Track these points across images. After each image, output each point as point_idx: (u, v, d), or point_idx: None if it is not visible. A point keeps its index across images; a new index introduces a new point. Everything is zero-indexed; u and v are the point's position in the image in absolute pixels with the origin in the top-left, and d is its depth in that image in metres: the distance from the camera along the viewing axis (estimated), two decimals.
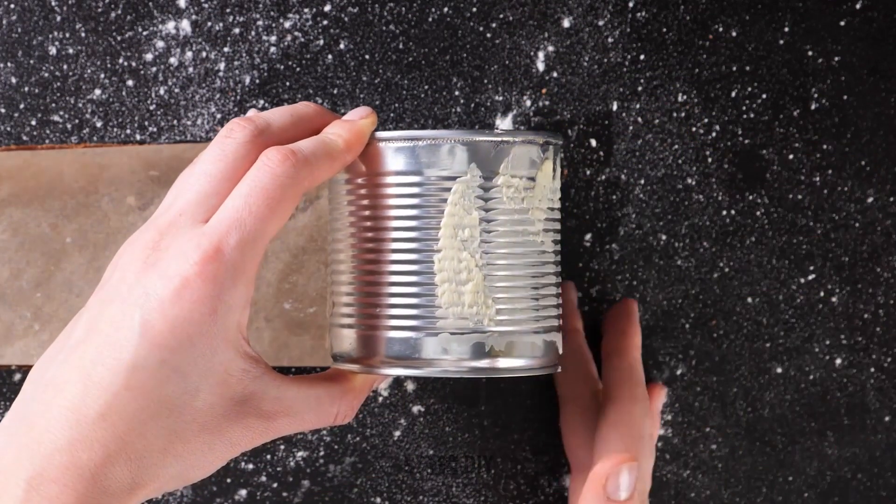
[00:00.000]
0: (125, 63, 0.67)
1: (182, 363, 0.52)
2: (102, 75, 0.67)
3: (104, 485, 0.51)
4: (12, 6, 0.67)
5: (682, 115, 0.68)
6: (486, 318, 0.56)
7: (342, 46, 0.67)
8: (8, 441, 0.52)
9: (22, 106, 0.67)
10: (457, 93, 0.67)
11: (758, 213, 0.68)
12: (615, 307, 0.68)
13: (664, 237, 0.68)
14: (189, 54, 0.67)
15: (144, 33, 0.67)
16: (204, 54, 0.67)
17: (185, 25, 0.67)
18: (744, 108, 0.68)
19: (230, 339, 0.53)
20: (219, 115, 0.67)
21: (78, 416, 0.51)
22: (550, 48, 0.67)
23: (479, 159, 0.55)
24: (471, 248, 0.56)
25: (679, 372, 0.69)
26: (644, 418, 0.64)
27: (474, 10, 0.67)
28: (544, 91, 0.67)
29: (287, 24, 0.67)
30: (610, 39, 0.67)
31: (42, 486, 0.51)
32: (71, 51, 0.67)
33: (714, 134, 0.68)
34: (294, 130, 0.57)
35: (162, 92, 0.67)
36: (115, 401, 0.51)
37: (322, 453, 0.69)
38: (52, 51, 0.67)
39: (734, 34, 0.67)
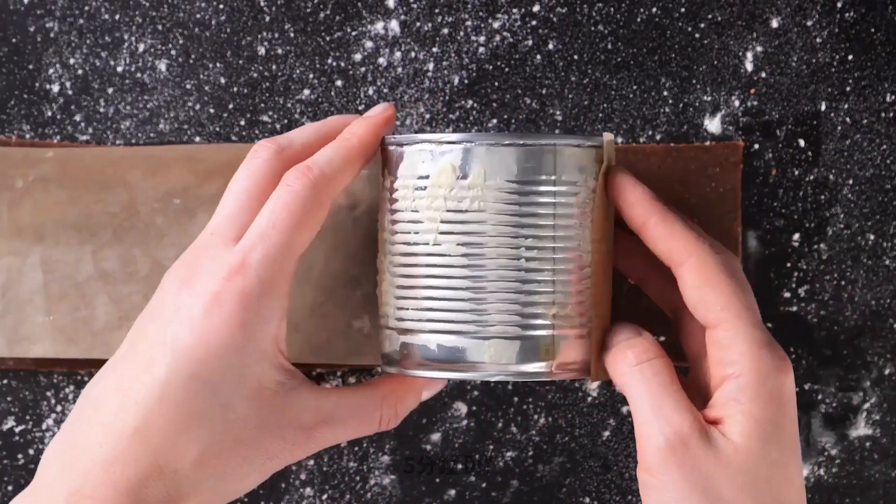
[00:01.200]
0: (334, 63, 0.67)
1: (213, 376, 0.54)
2: (311, 75, 0.67)
3: (140, 499, 0.53)
4: (221, 6, 0.67)
5: (891, 115, 0.68)
6: (538, 319, 0.57)
7: (550, 47, 0.67)
8: (54, 457, 0.55)
9: (231, 106, 0.67)
10: (665, 93, 0.67)
11: None
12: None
13: (872, 237, 0.68)
14: (398, 54, 0.67)
15: (353, 34, 0.67)
16: (413, 54, 0.67)
17: (394, 26, 0.67)
18: None
19: (263, 351, 0.54)
20: (427, 116, 0.67)
21: (114, 432, 0.53)
22: (759, 48, 0.67)
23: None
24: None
25: (887, 372, 0.68)
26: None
27: (683, 10, 0.67)
28: (753, 91, 0.67)
29: (496, 25, 0.67)
30: (818, 40, 0.67)
31: (80, 501, 0.53)
32: (280, 51, 0.67)
33: None
34: (319, 145, 0.58)
35: (371, 92, 0.67)
36: (149, 416, 0.53)
37: (531, 453, 0.68)
38: (261, 51, 0.67)
39: None
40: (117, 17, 0.67)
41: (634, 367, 0.56)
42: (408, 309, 0.58)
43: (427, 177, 0.57)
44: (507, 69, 0.67)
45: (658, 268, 0.60)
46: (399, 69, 0.67)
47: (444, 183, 0.57)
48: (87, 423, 0.55)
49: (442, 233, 0.57)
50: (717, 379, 0.56)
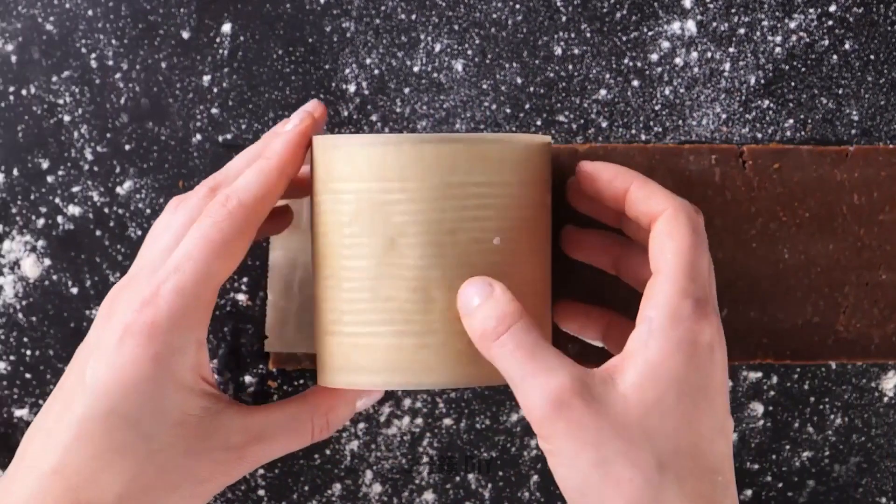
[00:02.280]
0: (630, 63, 0.67)
1: (131, 410, 0.54)
2: (607, 75, 0.67)
3: None
4: (517, 6, 0.67)
5: None
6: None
7: (847, 46, 0.67)
8: None
9: (527, 106, 0.67)
10: None
11: None
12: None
13: None
14: (694, 54, 0.67)
15: (649, 33, 0.67)
16: (709, 54, 0.67)
17: (691, 25, 0.67)
18: None
19: (181, 380, 0.55)
20: (724, 116, 0.67)
21: (35, 472, 0.54)
22: None
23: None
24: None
25: None
26: None
27: None
28: None
29: (792, 25, 0.67)
30: None
31: None
32: (576, 51, 0.67)
33: None
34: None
35: (667, 92, 0.67)
36: (67, 454, 0.54)
37: (827, 453, 0.68)
38: (558, 51, 0.67)
39: None
40: (413, 17, 0.67)
41: (495, 344, 0.54)
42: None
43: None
44: (803, 69, 0.67)
45: (631, 253, 0.61)
46: (695, 69, 0.67)
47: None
48: (16, 464, 0.56)
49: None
50: (637, 324, 0.55)
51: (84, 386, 0.54)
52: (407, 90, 0.67)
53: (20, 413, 0.68)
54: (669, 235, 0.56)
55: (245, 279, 0.67)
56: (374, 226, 0.56)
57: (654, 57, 0.67)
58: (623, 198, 0.58)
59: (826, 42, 0.67)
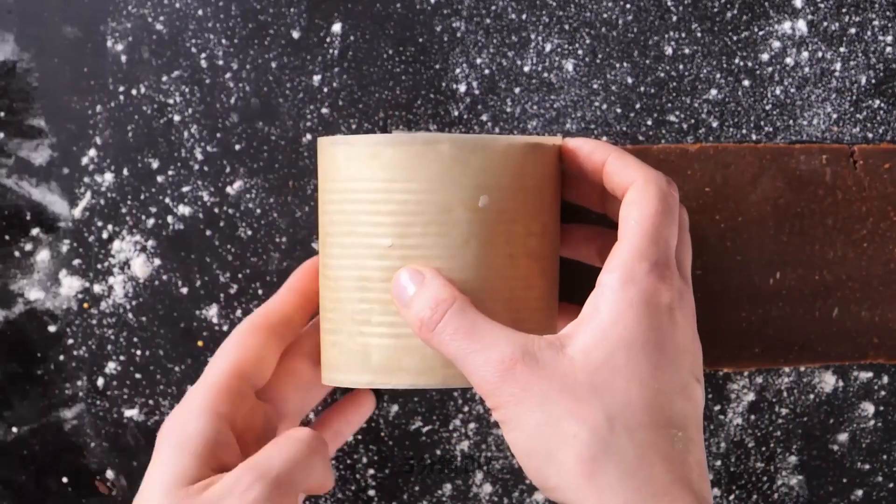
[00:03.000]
0: (741, 63, 0.67)
1: None
2: (718, 75, 0.67)
3: None
4: (628, 6, 0.67)
5: None
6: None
7: None
8: None
9: (638, 106, 0.67)
10: None
11: None
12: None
13: None
14: (805, 54, 0.67)
15: (760, 33, 0.67)
16: (820, 54, 0.67)
17: (801, 25, 0.67)
18: None
19: None
20: (834, 115, 0.67)
21: None
22: None
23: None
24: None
25: None
26: None
27: None
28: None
29: None
30: None
31: None
32: (687, 51, 0.67)
33: None
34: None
35: (777, 92, 0.67)
36: None
37: None
38: (668, 51, 0.67)
39: None
40: (524, 16, 0.67)
41: (434, 332, 0.53)
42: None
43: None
44: None
45: (614, 240, 0.60)
46: (806, 69, 0.67)
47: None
48: None
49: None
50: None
51: None
52: (517, 90, 0.67)
53: (130, 413, 0.68)
54: (635, 203, 0.55)
55: None
56: (394, 226, 0.56)
57: (765, 57, 0.67)
58: (601, 168, 0.58)
59: None
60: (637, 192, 0.55)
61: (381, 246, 0.56)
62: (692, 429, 0.53)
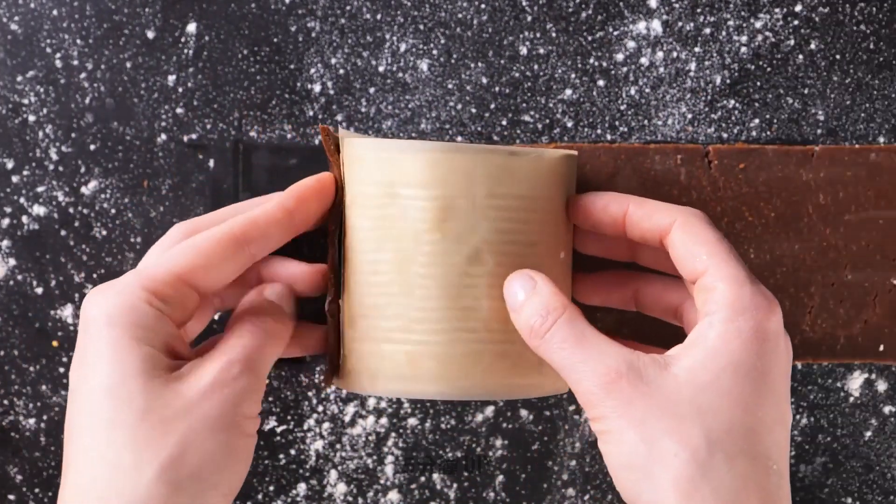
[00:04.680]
0: (596, 63, 0.67)
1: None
2: (573, 75, 0.67)
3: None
4: (483, 6, 0.67)
5: None
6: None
7: (812, 46, 0.67)
8: None
9: (493, 106, 0.67)
10: None
11: None
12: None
13: None
14: (660, 54, 0.67)
15: (615, 33, 0.67)
16: (674, 54, 0.67)
17: (656, 25, 0.67)
18: None
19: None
20: (689, 115, 0.67)
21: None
22: None
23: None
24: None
25: None
26: None
27: None
28: None
29: (758, 24, 0.67)
30: None
31: None
32: (542, 51, 0.67)
33: None
34: None
35: (632, 92, 0.67)
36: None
37: (793, 453, 0.68)
38: (523, 51, 0.67)
39: None
40: (378, 16, 0.67)
41: (543, 339, 0.54)
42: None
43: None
44: (768, 69, 0.67)
45: (649, 283, 0.62)
46: (661, 69, 0.67)
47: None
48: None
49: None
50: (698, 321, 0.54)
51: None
52: (372, 90, 0.67)
53: None
54: (694, 238, 0.55)
55: None
56: (458, 233, 0.56)
57: (620, 57, 0.67)
58: (622, 222, 0.58)
59: (792, 42, 0.67)
60: (686, 228, 0.56)
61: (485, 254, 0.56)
62: (783, 461, 0.53)
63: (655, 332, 0.65)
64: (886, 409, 0.68)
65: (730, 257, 0.55)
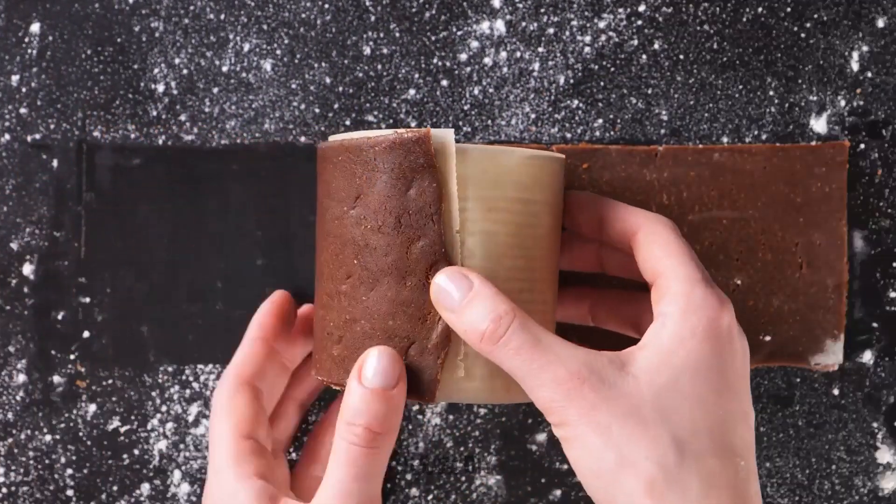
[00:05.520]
0: (439, 63, 0.67)
1: None
2: (417, 75, 0.67)
3: None
4: (326, 6, 0.67)
5: None
6: None
7: (656, 46, 0.67)
8: None
9: (336, 106, 0.67)
10: (771, 93, 0.67)
11: None
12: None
13: None
14: (503, 54, 0.67)
15: (459, 33, 0.67)
16: (518, 54, 0.67)
17: (500, 25, 0.67)
18: None
19: None
20: (533, 115, 0.67)
21: None
22: (865, 48, 0.67)
23: None
24: None
25: None
26: None
27: (788, 10, 0.67)
28: (859, 91, 0.67)
29: (601, 24, 0.67)
30: None
31: None
32: (385, 51, 0.67)
33: None
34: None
35: (476, 92, 0.67)
36: None
37: None
38: (367, 51, 0.67)
39: None
40: (222, 16, 0.67)
41: (497, 346, 0.52)
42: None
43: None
44: (612, 69, 0.67)
45: (605, 297, 0.63)
46: (504, 69, 0.67)
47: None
48: None
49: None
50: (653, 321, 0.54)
51: None
52: (216, 90, 0.67)
53: None
54: (655, 240, 0.56)
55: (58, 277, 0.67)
56: (522, 238, 0.56)
57: (464, 57, 0.67)
58: (598, 221, 0.59)
59: (635, 42, 0.67)
60: (653, 231, 0.57)
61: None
62: (750, 457, 0.53)
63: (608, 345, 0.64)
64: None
65: (687, 260, 0.55)
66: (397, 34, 0.67)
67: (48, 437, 0.67)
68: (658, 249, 0.56)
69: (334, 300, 0.56)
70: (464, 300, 0.53)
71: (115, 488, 0.68)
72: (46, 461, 0.68)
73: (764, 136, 0.67)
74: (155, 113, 0.67)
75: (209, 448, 0.60)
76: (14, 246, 0.67)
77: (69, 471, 0.68)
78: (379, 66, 0.67)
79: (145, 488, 0.68)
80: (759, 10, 0.67)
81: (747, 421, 0.53)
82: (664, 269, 0.55)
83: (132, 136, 0.67)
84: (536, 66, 0.67)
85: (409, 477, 0.68)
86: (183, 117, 0.67)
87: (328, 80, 0.67)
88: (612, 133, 0.67)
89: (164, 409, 0.67)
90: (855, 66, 0.67)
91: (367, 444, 0.53)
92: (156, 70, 0.67)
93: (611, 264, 0.63)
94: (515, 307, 0.53)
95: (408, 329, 0.54)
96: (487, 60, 0.67)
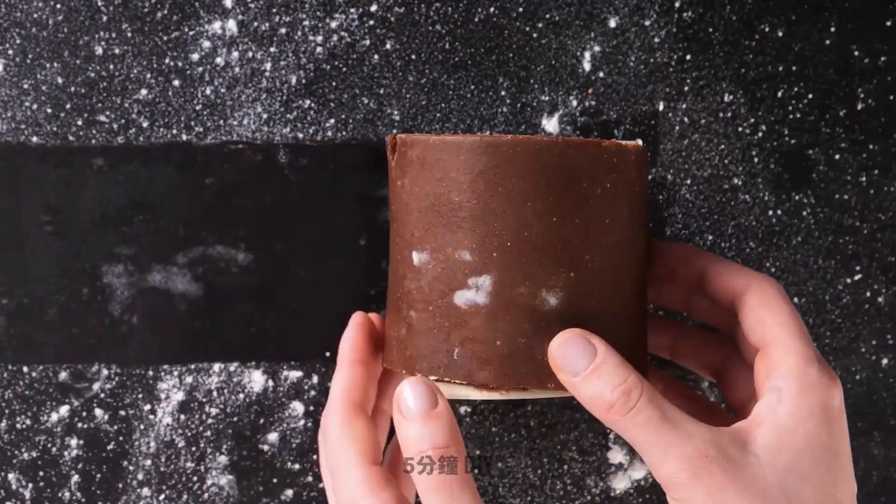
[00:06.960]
0: (171, 63, 0.67)
1: None
2: (149, 75, 0.67)
3: None
4: (58, 6, 0.67)
5: (729, 114, 0.68)
6: None
7: (388, 46, 0.67)
8: None
9: (68, 106, 0.67)
10: (503, 93, 0.67)
11: (804, 212, 0.68)
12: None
13: (710, 237, 0.68)
14: (235, 54, 0.67)
15: (191, 33, 0.67)
16: (250, 54, 0.67)
17: (232, 25, 0.67)
18: (790, 107, 0.68)
19: None
20: (265, 115, 0.67)
21: None
22: (597, 48, 0.67)
23: None
24: None
25: None
26: None
27: (520, 10, 0.67)
28: (590, 91, 0.67)
29: (333, 25, 0.67)
30: (656, 39, 0.67)
31: None
32: (117, 51, 0.67)
33: (760, 134, 0.68)
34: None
35: (208, 92, 0.67)
36: None
37: None
38: (99, 51, 0.67)
39: (780, 34, 0.68)
40: None
41: (626, 417, 0.52)
42: None
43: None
44: (344, 69, 0.67)
45: (690, 335, 0.63)
46: (236, 69, 0.67)
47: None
48: None
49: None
50: (762, 395, 0.55)
51: None
52: None
53: None
54: (768, 307, 0.56)
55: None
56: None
57: (196, 56, 0.67)
58: (703, 271, 0.59)
59: (367, 42, 0.67)
60: (763, 294, 0.57)
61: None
62: None
63: None
64: (463, 409, 0.68)
65: (801, 334, 0.55)
66: (129, 34, 0.67)
67: None
68: (769, 316, 0.56)
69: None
70: (589, 367, 0.53)
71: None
72: None
73: None
74: None
75: (332, 479, 0.57)
76: None
77: None
78: (111, 66, 0.67)
79: None
80: (492, 10, 0.67)
81: (854, 498, 0.54)
82: (775, 340, 0.55)
83: None
84: (268, 65, 0.67)
85: (140, 477, 0.68)
86: None
87: (60, 80, 0.67)
88: (344, 133, 0.67)
89: None
90: (587, 66, 0.67)
91: (443, 470, 0.52)
92: None
93: (698, 310, 0.63)
94: (641, 378, 0.53)
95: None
96: (219, 60, 0.67)
